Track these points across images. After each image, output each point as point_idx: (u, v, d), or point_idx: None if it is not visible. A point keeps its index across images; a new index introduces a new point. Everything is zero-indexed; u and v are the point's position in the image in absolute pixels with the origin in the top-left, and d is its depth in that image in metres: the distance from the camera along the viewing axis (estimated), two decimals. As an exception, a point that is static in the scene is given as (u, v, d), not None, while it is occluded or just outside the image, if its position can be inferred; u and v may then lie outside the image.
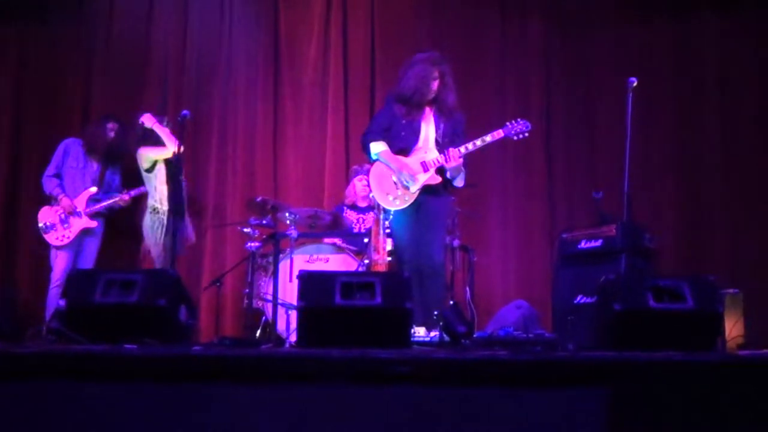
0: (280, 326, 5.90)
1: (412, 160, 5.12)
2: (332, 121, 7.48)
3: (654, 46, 7.56)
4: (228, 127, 7.52)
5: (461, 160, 5.08)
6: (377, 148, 5.15)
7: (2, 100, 7.49)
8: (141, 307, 3.69)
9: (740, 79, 7.45)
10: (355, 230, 6.64)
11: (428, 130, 5.19)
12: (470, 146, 5.09)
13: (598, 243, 5.65)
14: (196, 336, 5.63)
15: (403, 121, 5.16)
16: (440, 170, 5.13)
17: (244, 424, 2.93)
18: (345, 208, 6.83)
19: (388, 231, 6.08)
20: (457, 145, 5.10)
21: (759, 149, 7.30)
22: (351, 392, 2.95)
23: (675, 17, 7.62)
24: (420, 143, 5.15)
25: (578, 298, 5.56)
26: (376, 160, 5.18)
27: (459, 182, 5.21)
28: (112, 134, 6.58)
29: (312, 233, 6.45)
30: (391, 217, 5.17)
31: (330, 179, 7.36)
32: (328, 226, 6.55)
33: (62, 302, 3.75)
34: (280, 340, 5.73)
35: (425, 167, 5.09)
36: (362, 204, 6.78)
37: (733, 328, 5.27)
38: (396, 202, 5.08)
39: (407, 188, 5.06)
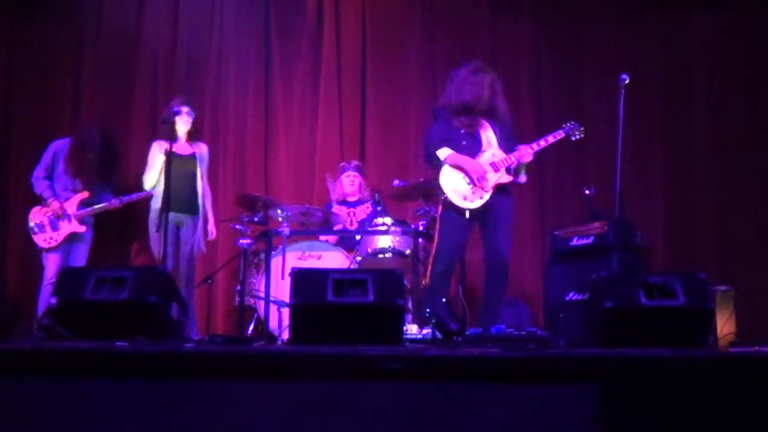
0: (272, 323, 5.90)
1: (482, 162, 5.14)
2: (323, 117, 7.48)
3: (645, 43, 7.58)
4: (219, 123, 7.51)
5: (533, 156, 5.17)
6: (444, 153, 5.12)
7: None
8: (132, 304, 3.68)
9: (731, 77, 7.48)
10: (347, 225, 6.65)
11: (488, 136, 5.21)
12: (535, 146, 5.18)
13: (590, 240, 5.67)
14: (187, 333, 5.63)
15: (462, 131, 5.17)
16: (509, 169, 5.16)
17: (236, 421, 2.92)
18: (333, 203, 6.83)
19: (384, 228, 6.10)
20: (524, 143, 5.18)
21: (749, 147, 7.34)
22: (343, 389, 2.95)
23: (666, 15, 7.64)
24: (484, 147, 5.17)
25: (570, 295, 5.56)
26: (443, 165, 5.15)
27: (522, 178, 5.26)
28: (93, 156, 6.48)
29: (304, 230, 6.44)
30: (467, 214, 5.14)
31: (321, 175, 7.35)
32: (321, 223, 6.54)
33: (53, 299, 3.73)
34: (272, 338, 5.72)
35: (495, 168, 5.11)
36: (351, 199, 6.80)
37: (724, 325, 5.29)
38: (467, 202, 5.08)
39: (481, 187, 5.07)
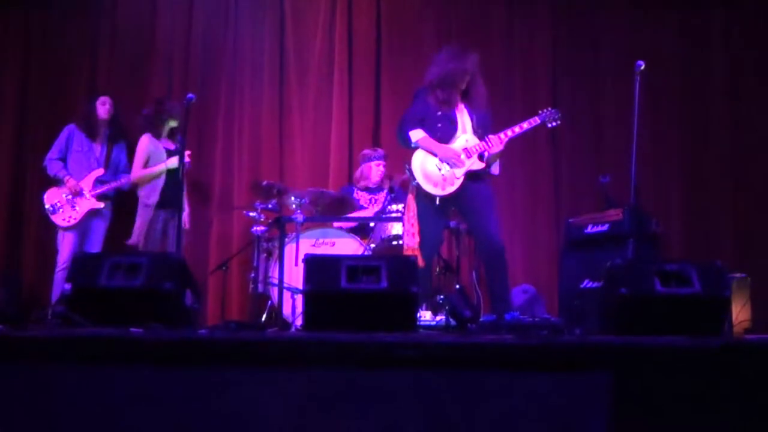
0: (286, 310, 5.91)
1: (455, 147, 5.15)
2: (337, 105, 7.47)
3: (662, 32, 7.52)
4: (234, 111, 7.52)
5: (503, 146, 5.16)
6: (416, 135, 5.18)
7: (7, 85, 7.51)
8: (146, 290, 3.68)
9: (748, 64, 7.41)
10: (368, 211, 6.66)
11: (464, 120, 5.24)
12: (509, 133, 5.19)
13: (605, 228, 5.64)
14: (201, 320, 5.64)
15: (438, 113, 5.19)
16: (482, 157, 5.17)
17: (249, 407, 2.92)
18: (356, 189, 6.81)
19: (398, 215, 6.09)
20: (494, 132, 5.17)
21: (767, 134, 7.27)
22: (356, 376, 2.95)
23: (683, 3, 7.57)
24: (459, 132, 5.19)
25: (584, 283, 5.55)
26: (416, 147, 5.19)
27: (495, 169, 5.28)
28: (105, 110, 6.57)
29: (318, 217, 6.44)
30: (438, 201, 5.16)
31: (335, 162, 7.35)
32: (334, 203, 6.53)
33: (67, 286, 3.74)
34: (286, 324, 5.73)
35: (468, 154, 5.13)
36: (374, 186, 6.79)
37: (740, 312, 5.26)
38: (438, 189, 5.11)
39: (452, 173, 5.08)
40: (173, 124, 6.42)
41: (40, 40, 7.56)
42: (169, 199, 6.20)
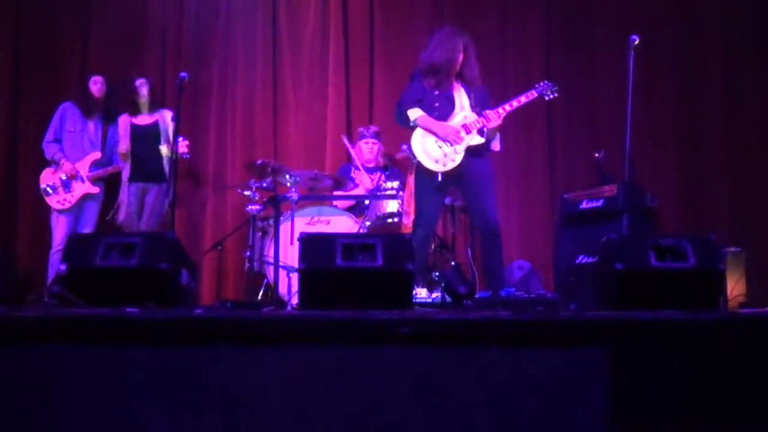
0: (282, 289, 5.91)
1: (453, 124, 5.16)
2: (332, 83, 7.45)
3: (657, 4, 7.48)
4: (227, 89, 7.50)
5: (501, 121, 5.17)
6: (415, 114, 5.19)
7: (-1, 65, 7.47)
8: (142, 270, 3.68)
9: (743, 37, 7.38)
10: (366, 190, 6.64)
11: (461, 98, 5.26)
12: (507, 107, 5.20)
13: (600, 203, 5.63)
14: (197, 300, 5.65)
15: (436, 93, 5.22)
16: (481, 132, 5.17)
17: (245, 386, 2.93)
18: (353, 168, 6.80)
19: (393, 192, 6.09)
20: (493, 107, 5.20)
21: (762, 107, 7.26)
22: (352, 353, 2.96)
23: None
24: (456, 110, 5.21)
25: (580, 258, 5.54)
26: (414, 127, 5.20)
27: (495, 145, 5.31)
28: (97, 89, 6.54)
29: (313, 195, 6.44)
30: (440, 177, 5.16)
31: (331, 141, 7.33)
32: (330, 188, 6.53)
33: (63, 266, 3.74)
34: (282, 303, 5.74)
35: (467, 129, 5.14)
36: (369, 165, 6.77)
37: (735, 286, 5.26)
38: (439, 165, 5.12)
39: (453, 150, 5.08)
40: (141, 100, 6.41)
41: (31, 19, 7.50)
42: (145, 171, 6.25)
